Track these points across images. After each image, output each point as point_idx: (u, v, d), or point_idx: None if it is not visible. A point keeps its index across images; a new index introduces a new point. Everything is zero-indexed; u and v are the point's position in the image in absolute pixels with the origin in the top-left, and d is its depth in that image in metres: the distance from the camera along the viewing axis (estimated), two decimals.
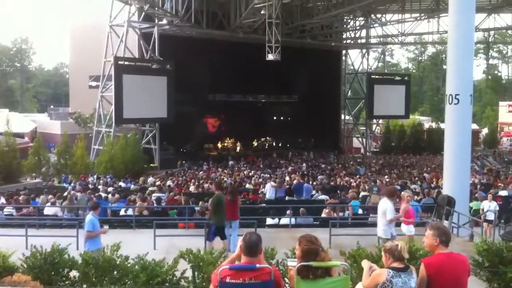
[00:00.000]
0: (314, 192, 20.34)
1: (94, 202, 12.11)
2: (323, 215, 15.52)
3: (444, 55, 74.22)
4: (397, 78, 52.07)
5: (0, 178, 28.55)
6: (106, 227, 10.55)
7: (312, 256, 4.47)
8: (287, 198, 19.26)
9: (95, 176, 28.34)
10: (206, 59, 36.38)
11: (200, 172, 30.60)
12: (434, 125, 56.15)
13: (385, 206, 9.95)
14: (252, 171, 30.42)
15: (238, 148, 44.80)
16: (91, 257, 6.73)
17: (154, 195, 18.91)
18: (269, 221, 15.21)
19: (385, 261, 4.76)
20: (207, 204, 16.69)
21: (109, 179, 26.96)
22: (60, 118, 51.16)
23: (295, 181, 22.26)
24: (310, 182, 22.67)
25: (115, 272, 6.64)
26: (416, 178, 26.36)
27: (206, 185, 23.90)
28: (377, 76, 49.31)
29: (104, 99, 35.75)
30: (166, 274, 6.50)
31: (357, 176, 27.24)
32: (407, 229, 10.76)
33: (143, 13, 34.92)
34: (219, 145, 44.77)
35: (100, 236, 10.03)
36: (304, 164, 35.26)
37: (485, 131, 61.93)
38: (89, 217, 9.91)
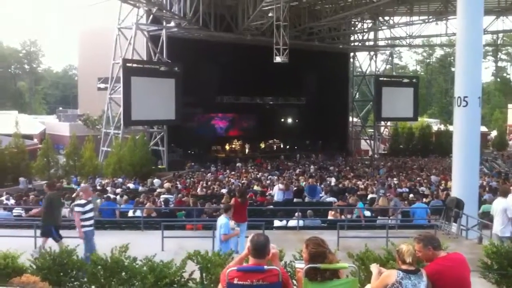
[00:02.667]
0: (322, 194, 20.33)
1: (227, 204, 12.00)
2: (329, 217, 15.50)
3: (452, 58, 73.94)
4: (405, 80, 51.93)
5: (9, 179, 28.73)
6: (238, 228, 10.53)
7: (319, 258, 4.45)
8: (295, 200, 19.24)
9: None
10: (214, 61, 36.43)
11: (208, 174, 30.62)
12: (442, 127, 55.95)
13: (504, 204, 10.13)
14: (260, 173, 30.41)
15: (246, 150, 44.79)
16: (99, 258, 6.76)
17: (162, 197, 18.96)
18: (276, 223, 15.20)
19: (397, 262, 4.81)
20: (215, 205, 16.80)
21: (120, 180, 27.14)
22: (68, 120, 51.37)
23: (304, 183, 22.24)
24: (318, 184, 22.66)
25: (123, 273, 6.66)
26: (425, 181, 26.25)
27: (214, 187, 23.95)
28: (385, 78, 49.20)
29: (112, 101, 35.87)
30: (174, 275, 6.52)
31: (365, 179, 27.16)
32: None
33: (151, 16, 35.09)
34: (227, 147, 44.79)
35: (231, 238, 10.06)
36: (312, 166, 35.18)
37: (494, 133, 61.62)
38: (224, 219, 9.74)
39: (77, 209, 9.77)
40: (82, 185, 11.80)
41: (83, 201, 9.89)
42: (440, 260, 4.82)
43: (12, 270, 6.85)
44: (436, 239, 5.01)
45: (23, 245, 9.02)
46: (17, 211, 16.57)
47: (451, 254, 5.02)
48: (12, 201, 18.96)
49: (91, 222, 9.89)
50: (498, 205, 10.22)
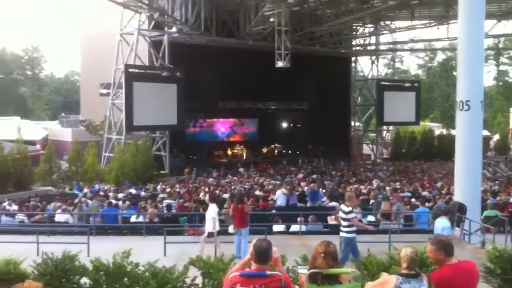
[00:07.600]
0: (324, 198, 20.27)
1: (446, 208, 12.63)
2: (329, 222, 15.47)
3: (454, 62, 73.82)
4: (407, 84, 51.85)
5: (11, 185, 28.73)
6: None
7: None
8: (298, 205, 19.19)
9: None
10: (215, 66, 36.46)
11: (210, 179, 30.61)
12: (444, 131, 55.87)
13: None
14: (262, 178, 30.35)
15: (248, 155, 44.76)
16: (101, 264, 6.76)
17: (165, 202, 18.96)
18: (279, 228, 15.16)
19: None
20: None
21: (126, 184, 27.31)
22: (71, 125, 51.44)
23: (306, 187, 22.16)
24: (320, 189, 22.58)
25: (126, 279, 6.66)
26: (427, 185, 26.17)
27: (216, 192, 23.89)
28: (387, 83, 49.21)
29: (114, 107, 35.94)
30: (176, 281, 6.52)
31: (367, 183, 27.05)
32: None
33: (153, 21, 35.17)
34: (229, 152, 44.76)
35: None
36: (314, 175, 34.99)
37: (496, 137, 61.50)
38: (447, 222, 10.44)
39: (352, 215, 10.47)
40: (348, 193, 13.00)
41: (351, 208, 10.59)
42: (447, 267, 4.80)
43: (14, 276, 6.86)
44: (450, 245, 4.98)
45: (25, 251, 9.04)
46: (20, 217, 16.59)
47: (462, 262, 4.97)
48: (14, 207, 18.98)
49: (354, 228, 10.52)
50: None
